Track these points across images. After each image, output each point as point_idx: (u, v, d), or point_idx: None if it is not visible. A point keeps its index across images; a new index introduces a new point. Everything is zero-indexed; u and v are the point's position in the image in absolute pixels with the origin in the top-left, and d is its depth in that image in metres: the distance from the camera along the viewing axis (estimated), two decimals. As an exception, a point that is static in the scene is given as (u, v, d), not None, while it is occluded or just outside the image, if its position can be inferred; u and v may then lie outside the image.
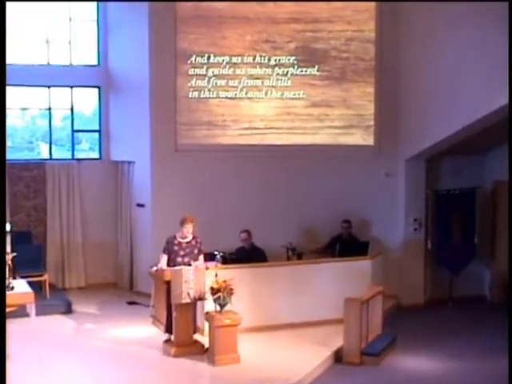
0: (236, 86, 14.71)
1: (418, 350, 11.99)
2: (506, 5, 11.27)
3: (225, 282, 10.83)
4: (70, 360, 10.89)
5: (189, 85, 14.61)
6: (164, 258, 11.44)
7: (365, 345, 11.50)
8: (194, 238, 11.49)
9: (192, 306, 11.24)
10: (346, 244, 14.09)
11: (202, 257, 11.58)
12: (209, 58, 14.59)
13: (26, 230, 15.03)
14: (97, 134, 15.85)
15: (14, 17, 14.57)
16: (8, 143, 13.09)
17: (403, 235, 14.90)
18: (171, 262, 11.36)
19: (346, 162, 14.91)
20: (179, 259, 11.32)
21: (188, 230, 11.37)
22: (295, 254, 13.67)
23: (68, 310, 13.69)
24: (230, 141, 14.80)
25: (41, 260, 14.68)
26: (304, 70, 14.83)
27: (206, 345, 11.18)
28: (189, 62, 14.56)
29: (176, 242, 11.41)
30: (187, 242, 11.43)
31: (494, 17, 11.84)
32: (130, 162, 15.35)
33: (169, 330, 11.48)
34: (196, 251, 11.47)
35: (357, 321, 11.30)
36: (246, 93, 14.75)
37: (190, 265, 11.26)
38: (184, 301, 10.96)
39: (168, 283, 11.21)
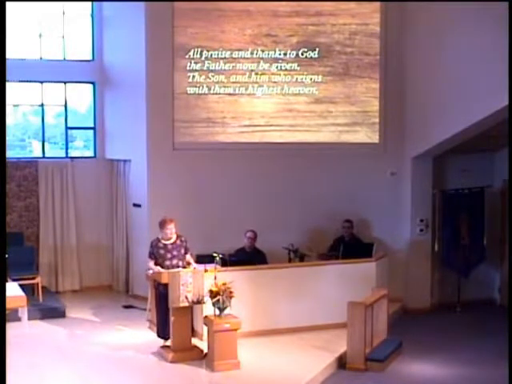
0: (236, 82, 14.55)
1: (424, 356, 11.84)
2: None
3: (224, 284, 10.69)
4: (63, 366, 10.71)
5: (187, 80, 14.44)
6: (152, 263, 11.33)
7: (369, 350, 11.36)
8: (178, 237, 11.41)
9: (190, 309, 11.08)
10: (350, 246, 13.93)
11: (189, 256, 11.52)
12: (207, 52, 14.42)
13: (18, 231, 14.98)
14: (91, 132, 15.72)
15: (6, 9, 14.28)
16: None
17: (409, 236, 14.77)
18: (159, 266, 11.24)
19: (350, 160, 14.78)
20: (167, 262, 11.22)
21: (171, 231, 11.31)
22: (297, 256, 13.44)
23: (62, 314, 13.49)
24: (229, 139, 14.66)
25: (33, 262, 14.56)
26: (306, 65, 14.63)
27: (205, 350, 11.01)
28: (187, 56, 14.41)
29: (161, 244, 11.32)
30: (172, 243, 11.33)
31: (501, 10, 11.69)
32: (125, 161, 15.23)
33: (160, 334, 11.38)
34: (182, 251, 11.37)
35: (361, 325, 11.14)
36: (246, 89, 14.60)
37: (178, 267, 11.16)
38: (182, 304, 10.82)
39: (156, 285, 11.24)
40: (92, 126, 15.60)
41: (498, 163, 15.19)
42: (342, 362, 11.22)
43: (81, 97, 15.68)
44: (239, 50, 14.43)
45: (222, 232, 14.02)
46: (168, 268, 11.06)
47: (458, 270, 14.93)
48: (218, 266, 11.62)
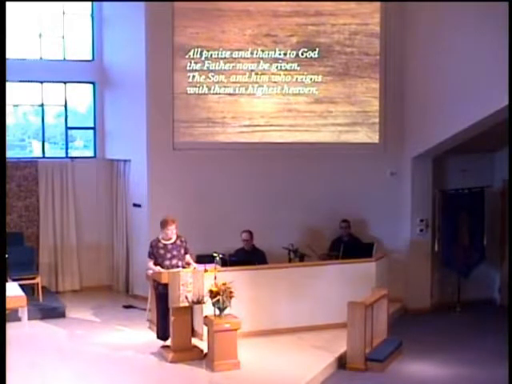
0: (236, 82, 14.52)
1: (424, 356, 11.80)
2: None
3: (224, 284, 10.66)
4: (63, 366, 10.69)
5: (187, 80, 14.41)
6: (151, 263, 11.32)
7: (369, 350, 11.32)
8: (178, 237, 11.39)
9: (190, 309, 11.06)
10: (350, 246, 13.87)
11: (189, 256, 11.50)
12: (207, 52, 14.39)
13: (18, 231, 14.96)
14: (91, 132, 15.68)
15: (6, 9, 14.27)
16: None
17: (409, 236, 14.73)
18: (159, 266, 11.22)
19: (350, 160, 14.74)
20: (167, 262, 11.20)
21: (172, 232, 11.29)
22: (297, 256, 13.40)
23: (62, 314, 13.45)
24: (229, 138, 14.63)
25: (33, 262, 14.55)
26: (306, 65, 14.60)
27: (205, 350, 10.98)
28: (187, 56, 14.39)
29: (161, 244, 11.30)
30: (172, 243, 11.31)
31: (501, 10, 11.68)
32: (125, 161, 15.19)
33: (160, 334, 11.39)
34: (182, 251, 11.36)
35: (361, 325, 11.11)
36: (246, 89, 14.56)
37: (178, 267, 11.15)
38: (182, 304, 10.80)
39: (156, 285, 11.25)
40: (92, 126, 15.55)
41: (498, 163, 15.14)
42: (342, 362, 11.18)
43: (81, 97, 15.64)
44: (239, 50, 14.40)
45: (222, 232, 13.97)
46: (168, 268, 11.04)
47: (458, 270, 14.87)
48: (218, 266, 11.63)
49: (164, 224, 11.27)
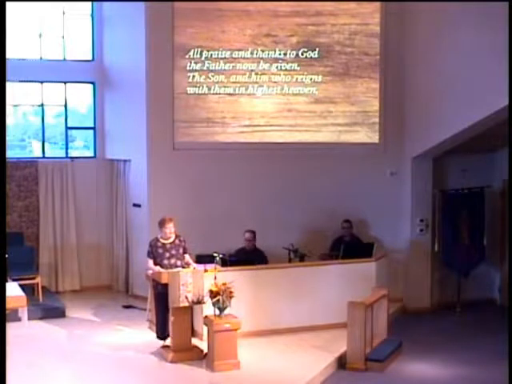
0: (236, 82, 14.51)
1: (424, 356, 11.78)
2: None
3: (224, 284, 10.65)
4: (63, 366, 10.73)
5: (187, 80, 14.40)
6: (151, 263, 11.34)
7: (369, 350, 11.31)
8: (176, 237, 11.42)
9: (190, 309, 11.07)
10: (351, 246, 13.86)
11: (187, 256, 11.52)
12: (207, 52, 14.38)
13: (18, 231, 14.95)
14: (91, 132, 15.69)
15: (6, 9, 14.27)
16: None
17: (409, 236, 14.72)
18: (158, 266, 11.24)
19: (350, 160, 14.73)
20: (165, 262, 11.24)
21: (170, 231, 11.33)
22: (297, 256, 13.40)
23: (61, 314, 13.45)
24: (229, 138, 14.62)
25: (33, 262, 14.56)
26: (306, 65, 14.60)
27: (205, 350, 10.97)
28: (187, 56, 14.37)
29: (160, 244, 11.33)
30: (171, 243, 11.35)
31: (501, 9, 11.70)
32: (125, 161, 15.19)
33: (159, 334, 11.41)
34: (181, 251, 11.39)
35: (361, 325, 11.10)
36: (246, 89, 14.55)
37: (177, 266, 11.19)
38: (182, 304, 10.80)
39: (155, 285, 11.24)
40: (92, 126, 15.55)
41: (498, 163, 15.11)
42: (342, 362, 11.17)
43: (81, 97, 15.64)
44: (239, 50, 14.39)
45: (222, 232, 13.98)
46: (167, 267, 11.07)
47: (458, 270, 14.84)
48: (218, 266, 11.61)
49: (162, 223, 11.31)
